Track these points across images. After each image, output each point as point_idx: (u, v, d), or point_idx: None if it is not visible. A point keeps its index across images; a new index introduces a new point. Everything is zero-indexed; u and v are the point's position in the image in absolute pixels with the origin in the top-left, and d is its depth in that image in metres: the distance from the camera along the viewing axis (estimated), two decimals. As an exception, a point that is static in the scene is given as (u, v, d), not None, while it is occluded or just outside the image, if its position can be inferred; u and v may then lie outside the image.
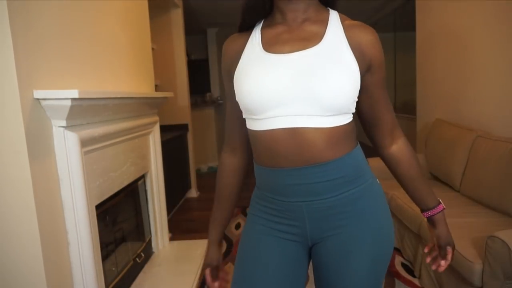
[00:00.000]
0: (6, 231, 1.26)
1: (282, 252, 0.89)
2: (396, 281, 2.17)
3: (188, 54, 4.97)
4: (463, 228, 1.89)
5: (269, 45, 0.81)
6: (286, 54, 0.78)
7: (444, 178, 2.71)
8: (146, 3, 2.53)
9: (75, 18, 1.58)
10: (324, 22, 0.82)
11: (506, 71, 2.37)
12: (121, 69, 2.04)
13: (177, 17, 4.08)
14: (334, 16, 0.83)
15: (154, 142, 2.44)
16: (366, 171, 0.88)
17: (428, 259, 1.00)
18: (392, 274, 2.25)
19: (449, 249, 0.96)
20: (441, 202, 0.98)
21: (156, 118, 2.47)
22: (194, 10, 4.93)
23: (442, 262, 0.97)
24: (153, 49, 2.98)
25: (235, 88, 0.84)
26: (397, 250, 2.54)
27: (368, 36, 0.81)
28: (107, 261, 1.86)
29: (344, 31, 0.80)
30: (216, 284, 1.01)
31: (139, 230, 2.37)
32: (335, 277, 0.86)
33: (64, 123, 1.38)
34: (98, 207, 1.66)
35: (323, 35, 0.79)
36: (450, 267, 1.81)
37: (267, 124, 0.79)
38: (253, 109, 0.79)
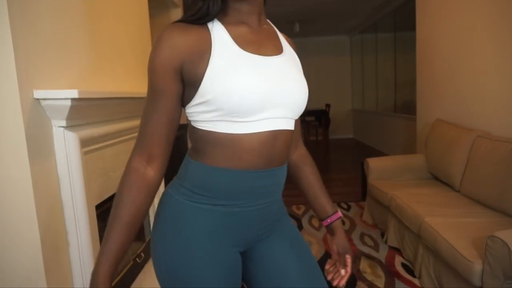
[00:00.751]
0: (6, 231, 1.26)
1: (227, 267, 0.83)
2: (396, 281, 2.17)
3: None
4: (463, 228, 1.89)
5: (243, 44, 0.77)
6: (268, 57, 0.79)
7: (444, 178, 2.71)
8: (146, 3, 2.53)
9: (75, 18, 1.58)
10: (272, 29, 0.87)
11: (506, 71, 2.37)
12: (121, 69, 2.04)
13: (177, 16, 4.07)
14: (272, 24, 0.89)
15: (154, 142, 2.44)
16: None
17: (330, 276, 0.97)
18: (392, 274, 2.25)
19: (347, 257, 0.96)
20: (339, 210, 1.02)
21: (156, 118, 2.46)
22: (194, 10, 4.92)
23: (343, 271, 0.96)
24: (153, 49, 2.98)
25: (213, 86, 0.72)
26: (397, 250, 2.55)
27: (294, 47, 0.91)
28: (107, 261, 1.86)
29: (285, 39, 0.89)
30: None
31: (139, 230, 2.36)
32: (289, 267, 0.88)
33: (64, 123, 1.38)
34: (98, 207, 1.66)
35: (280, 43, 0.85)
36: (450, 267, 1.81)
37: (253, 127, 0.75)
38: (242, 110, 0.73)
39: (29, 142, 1.23)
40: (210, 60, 0.73)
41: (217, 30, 0.77)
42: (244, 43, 0.77)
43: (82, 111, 1.46)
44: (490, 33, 2.52)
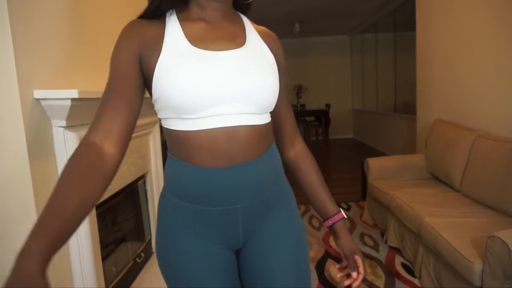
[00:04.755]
0: (6, 231, 1.26)
1: (220, 265, 0.84)
2: (396, 281, 2.17)
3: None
4: (463, 228, 1.89)
5: (196, 41, 0.76)
6: (219, 52, 0.76)
7: (444, 178, 2.71)
8: (146, 3, 2.52)
9: (75, 18, 1.58)
10: (240, 24, 0.85)
11: (506, 71, 2.37)
12: (121, 69, 2.04)
13: (177, 17, 4.08)
14: (245, 20, 0.87)
15: (154, 142, 2.44)
16: (281, 165, 0.91)
17: (339, 275, 0.95)
18: (392, 274, 2.25)
19: (357, 258, 0.91)
20: (342, 210, 0.96)
21: (156, 118, 2.47)
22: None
23: (354, 274, 0.91)
24: (153, 49, 2.98)
25: (159, 84, 0.73)
26: (397, 250, 2.55)
27: (276, 41, 0.88)
28: (107, 261, 1.86)
29: (259, 34, 0.85)
30: None
31: (139, 230, 2.37)
32: (273, 268, 0.86)
33: (64, 123, 1.38)
34: (98, 207, 1.66)
35: (245, 36, 0.82)
36: (450, 267, 1.81)
37: (202, 124, 0.74)
38: (186, 108, 0.72)
39: (29, 142, 1.23)
40: (159, 57, 0.74)
41: (172, 26, 0.78)
42: (196, 40, 0.76)
43: (82, 111, 1.46)
44: (490, 33, 2.52)
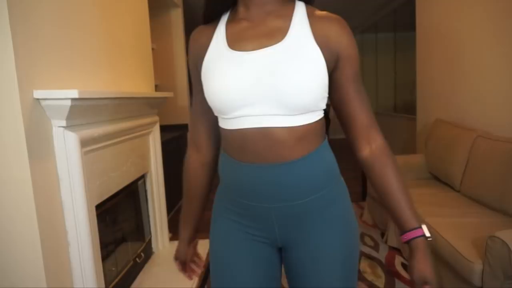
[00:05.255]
0: (6, 231, 1.26)
1: (254, 254, 0.86)
2: (396, 281, 2.17)
3: (188, 54, 4.97)
4: (463, 228, 1.88)
5: (233, 42, 0.78)
6: (249, 52, 0.75)
7: (444, 178, 2.71)
8: (146, 3, 2.53)
9: (75, 18, 1.58)
10: (289, 16, 0.77)
11: (506, 71, 2.37)
12: (121, 69, 2.04)
13: (177, 17, 4.08)
14: (300, 9, 0.78)
15: (154, 142, 2.44)
16: (335, 170, 0.86)
17: None
18: (392, 274, 2.25)
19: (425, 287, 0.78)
20: (423, 227, 0.80)
21: (156, 118, 2.47)
22: (194, 10, 4.93)
23: None
24: (153, 49, 2.98)
25: (203, 86, 0.81)
26: (397, 250, 2.55)
27: (335, 28, 0.76)
28: (107, 261, 1.86)
29: (310, 24, 0.75)
30: (187, 274, 1.05)
31: (139, 230, 2.37)
32: (309, 282, 0.84)
33: (64, 123, 1.38)
34: (98, 207, 1.66)
35: (287, 30, 0.75)
36: (450, 267, 1.81)
37: (235, 124, 0.77)
38: (220, 108, 0.77)
39: (29, 142, 1.23)
40: (203, 62, 0.81)
41: (219, 30, 0.82)
42: (234, 40, 0.78)
43: (82, 111, 1.46)
44: (490, 32, 2.52)
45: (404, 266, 2.34)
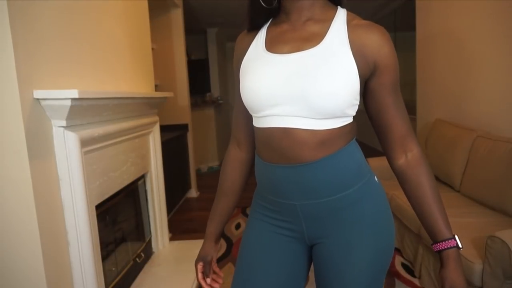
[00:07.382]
0: (6, 231, 1.26)
1: (282, 249, 0.90)
2: (396, 281, 2.17)
3: (188, 54, 4.97)
4: (463, 228, 1.89)
5: (271, 44, 0.82)
6: (284, 54, 0.78)
7: (444, 178, 2.71)
8: (146, 3, 2.53)
9: (75, 18, 1.58)
10: (328, 22, 0.78)
11: (506, 71, 2.37)
12: (121, 69, 2.04)
13: (177, 17, 4.08)
14: (340, 15, 0.79)
15: (154, 142, 2.44)
16: (363, 169, 0.85)
17: None
18: (392, 274, 2.25)
19: None
20: (456, 238, 0.81)
21: (156, 118, 2.47)
22: (194, 10, 4.93)
23: None
24: (153, 49, 2.98)
25: (240, 87, 0.86)
26: (397, 250, 2.55)
27: (373, 37, 0.75)
28: (107, 261, 1.86)
29: (348, 32, 0.76)
30: (208, 280, 0.97)
31: (139, 230, 2.37)
32: (335, 280, 0.85)
33: (64, 123, 1.38)
34: (98, 207, 1.66)
35: (324, 36, 0.77)
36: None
37: (263, 122, 0.81)
38: (251, 106, 0.82)
39: (29, 142, 1.23)
40: (243, 60, 0.86)
41: (260, 33, 0.86)
42: (272, 43, 0.82)
43: (82, 111, 1.46)
44: (490, 33, 2.52)
45: (404, 266, 2.34)
